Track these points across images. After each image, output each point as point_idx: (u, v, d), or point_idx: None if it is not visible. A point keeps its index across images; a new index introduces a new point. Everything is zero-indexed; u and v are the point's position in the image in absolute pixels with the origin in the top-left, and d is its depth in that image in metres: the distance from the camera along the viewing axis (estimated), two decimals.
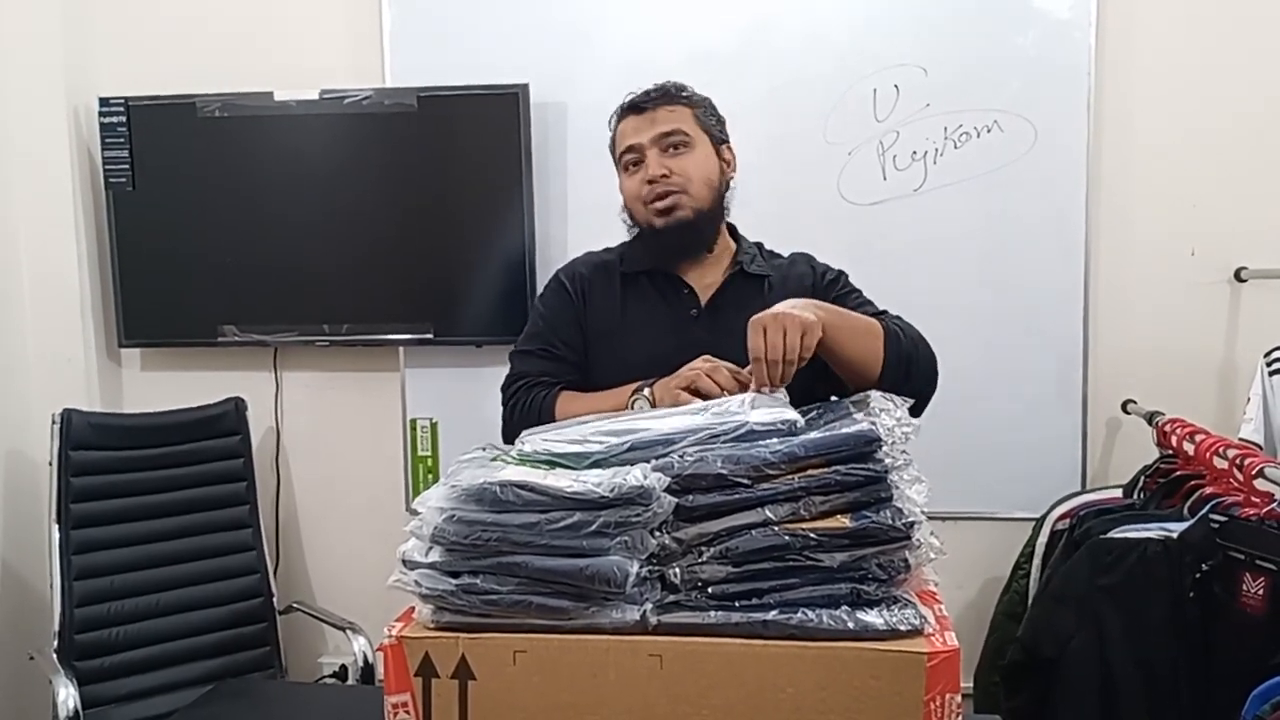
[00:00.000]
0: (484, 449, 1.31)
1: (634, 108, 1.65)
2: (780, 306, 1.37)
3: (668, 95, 1.65)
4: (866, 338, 1.49)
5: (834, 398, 1.50)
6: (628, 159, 1.65)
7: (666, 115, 1.63)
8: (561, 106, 2.61)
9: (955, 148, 2.51)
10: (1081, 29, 2.46)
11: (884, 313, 1.66)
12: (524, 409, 1.63)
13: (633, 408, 1.46)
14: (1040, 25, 2.47)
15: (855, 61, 2.52)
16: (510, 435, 1.61)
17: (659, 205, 1.61)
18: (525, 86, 2.54)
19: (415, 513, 1.15)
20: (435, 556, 1.11)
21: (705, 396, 1.37)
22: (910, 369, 1.52)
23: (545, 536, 1.07)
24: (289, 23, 2.72)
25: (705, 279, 1.68)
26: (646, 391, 1.47)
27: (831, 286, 1.69)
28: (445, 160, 2.60)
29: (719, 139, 1.69)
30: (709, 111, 1.69)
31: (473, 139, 2.59)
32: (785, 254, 1.78)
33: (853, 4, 2.52)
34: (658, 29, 2.56)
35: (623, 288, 1.69)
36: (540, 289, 1.82)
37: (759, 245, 1.76)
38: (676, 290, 1.67)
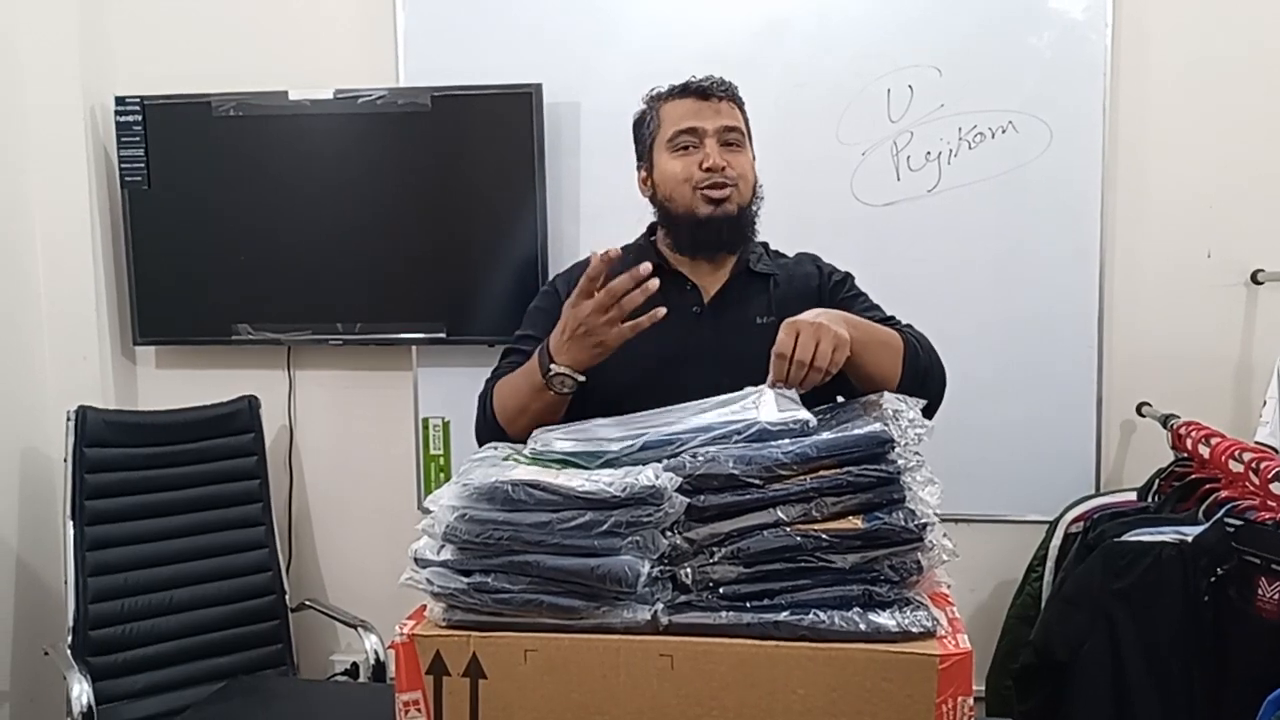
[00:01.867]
0: (495, 448, 1.31)
1: (698, 91, 1.63)
2: (817, 316, 1.35)
3: (730, 91, 1.65)
4: (888, 351, 1.49)
5: (839, 398, 1.50)
6: (683, 140, 1.62)
7: (729, 110, 1.63)
8: (575, 106, 2.61)
9: (970, 148, 2.50)
10: (1097, 29, 2.44)
11: (892, 318, 1.65)
12: (479, 402, 1.62)
13: (552, 385, 1.45)
14: (1055, 25, 2.46)
15: (869, 62, 2.51)
16: (476, 430, 1.62)
17: (713, 194, 1.60)
18: (539, 86, 2.55)
19: (427, 511, 1.16)
20: (447, 555, 1.11)
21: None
22: (925, 381, 1.52)
23: (557, 536, 1.07)
24: (304, 22, 2.73)
25: (710, 276, 1.67)
26: (555, 367, 1.44)
27: (838, 288, 1.69)
28: (458, 160, 2.61)
29: (753, 148, 1.70)
30: (748, 119, 1.69)
31: (486, 139, 2.59)
32: (791, 254, 1.77)
33: (866, 4, 2.51)
34: (671, 29, 2.56)
35: None
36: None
37: (764, 245, 1.75)
38: (680, 287, 1.66)
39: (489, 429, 1.56)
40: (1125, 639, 1.83)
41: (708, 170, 1.59)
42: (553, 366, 1.44)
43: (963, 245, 2.52)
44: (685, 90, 1.64)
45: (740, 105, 1.67)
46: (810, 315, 1.35)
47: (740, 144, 1.64)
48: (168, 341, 2.83)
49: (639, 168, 1.72)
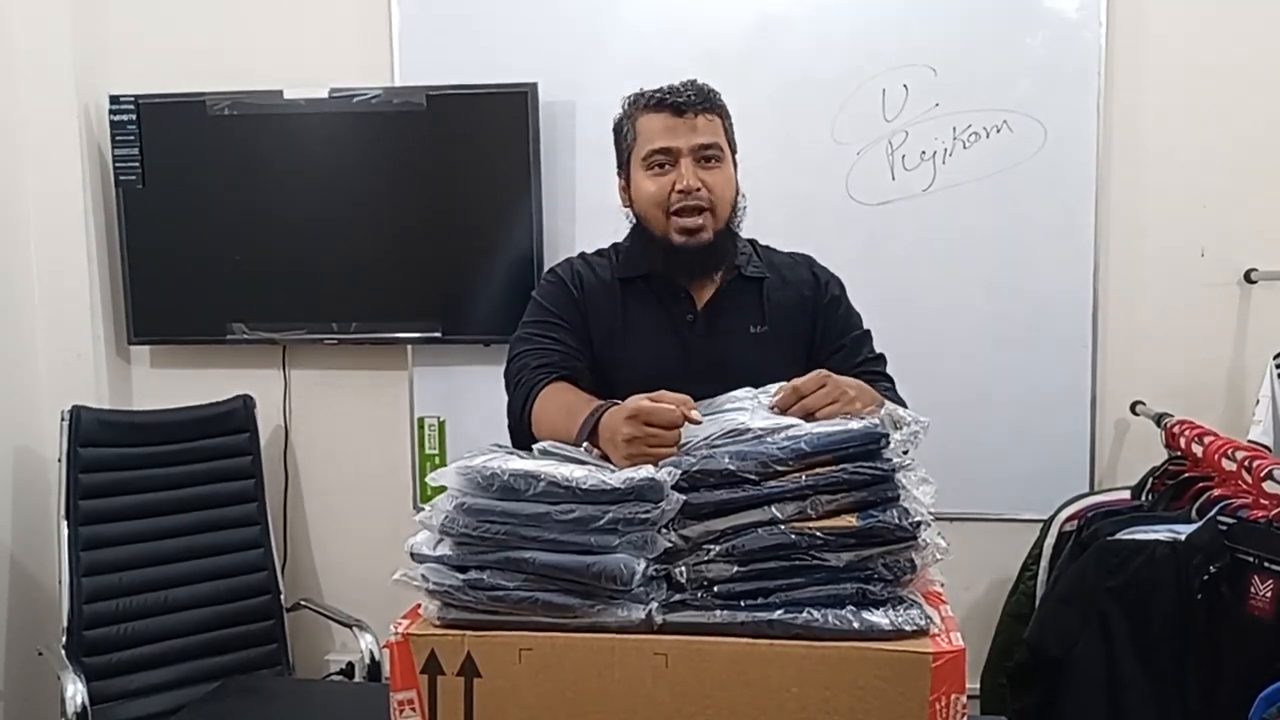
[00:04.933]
0: (498, 445, 1.32)
1: (673, 108, 1.57)
2: (852, 387, 1.31)
3: (707, 101, 1.59)
4: None
5: None
6: (657, 159, 1.58)
7: (706, 125, 1.58)
8: (570, 106, 2.61)
9: (964, 148, 2.51)
10: (1091, 29, 2.45)
11: (879, 361, 1.66)
12: (515, 390, 1.58)
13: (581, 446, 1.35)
14: (1050, 25, 2.46)
15: (864, 61, 2.52)
16: (510, 415, 1.59)
17: (685, 222, 1.57)
18: (534, 86, 2.55)
19: (422, 509, 1.16)
20: (444, 549, 1.11)
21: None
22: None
23: (554, 530, 1.07)
24: (299, 22, 2.73)
25: (701, 284, 1.65)
26: (585, 446, 1.32)
27: (831, 309, 1.67)
28: (454, 159, 2.61)
29: (734, 151, 1.66)
30: (731, 122, 1.65)
31: (481, 138, 2.59)
32: (784, 250, 1.75)
33: (861, 3, 2.51)
34: (667, 28, 2.56)
35: (622, 293, 1.66)
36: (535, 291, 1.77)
37: (752, 243, 1.72)
38: (674, 295, 1.64)
39: (523, 430, 1.53)
40: (1118, 637, 1.83)
41: (681, 192, 1.56)
42: (586, 445, 1.34)
43: (957, 244, 2.53)
44: (660, 104, 1.58)
45: (721, 114, 1.62)
46: (848, 383, 1.32)
47: (719, 160, 1.59)
48: (162, 341, 2.83)
49: (619, 174, 1.69)
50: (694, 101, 1.58)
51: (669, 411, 1.19)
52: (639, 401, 1.21)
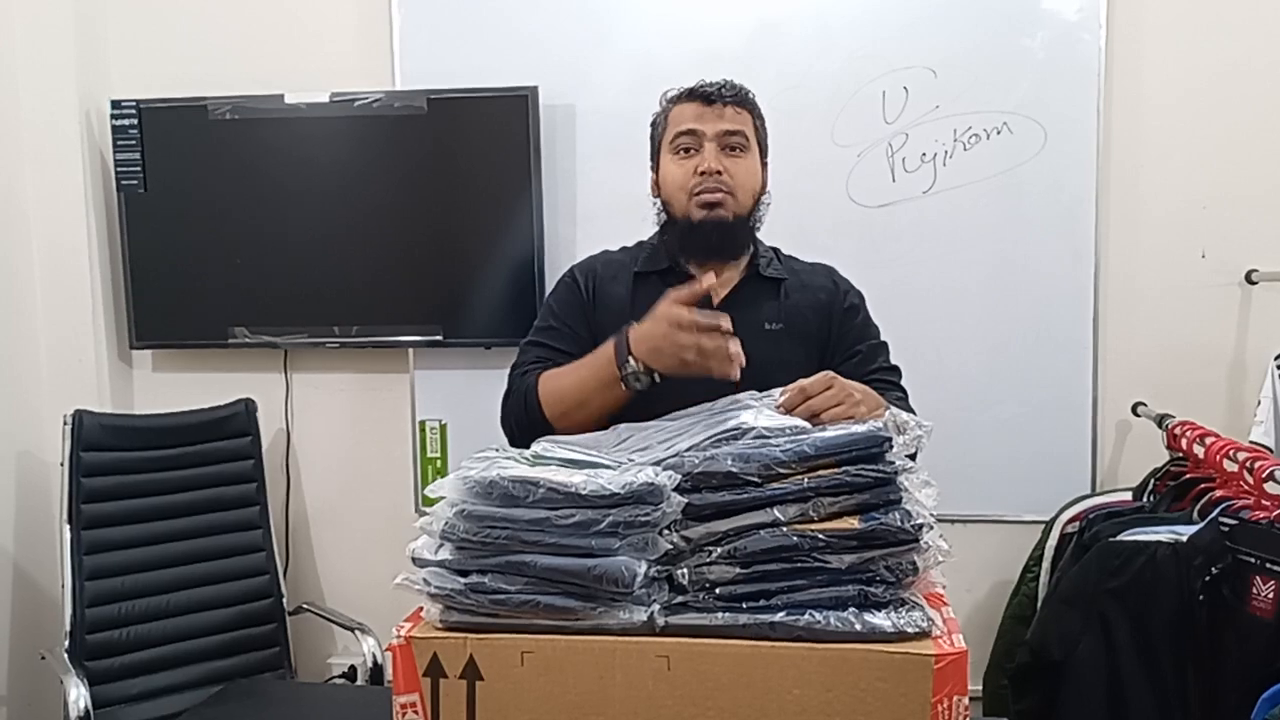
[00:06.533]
0: (496, 450, 1.31)
1: (703, 96, 1.63)
2: (858, 390, 1.35)
3: (738, 95, 1.65)
4: None
5: None
6: (682, 142, 1.63)
7: (734, 115, 1.63)
8: (570, 109, 2.62)
9: (965, 150, 2.51)
10: (1091, 30, 2.45)
11: (894, 372, 1.67)
12: (512, 395, 1.62)
13: (626, 382, 1.43)
14: (1050, 27, 2.47)
15: (864, 63, 2.52)
16: (504, 423, 1.62)
17: (707, 197, 1.60)
18: (534, 89, 2.55)
19: (424, 512, 1.16)
20: (445, 554, 1.11)
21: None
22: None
23: (554, 534, 1.07)
24: (300, 26, 2.73)
25: (720, 280, 1.65)
26: (634, 363, 1.43)
27: (849, 315, 1.69)
28: (455, 162, 2.61)
29: (765, 152, 1.70)
30: (764, 124, 1.69)
31: (482, 141, 2.59)
32: (807, 260, 1.77)
33: (862, 5, 2.52)
34: (667, 31, 2.56)
35: (634, 286, 1.68)
36: (549, 290, 1.81)
37: (776, 250, 1.75)
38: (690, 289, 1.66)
39: (533, 424, 1.54)
40: (1120, 638, 1.83)
41: (702, 174, 1.60)
42: (631, 360, 1.43)
43: (958, 246, 2.53)
44: (692, 94, 1.64)
45: (752, 110, 1.66)
46: (854, 386, 1.35)
47: (743, 149, 1.63)
48: (164, 345, 2.83)
49: (651, 168, 1.72)
50: (724, 94, 1.63)
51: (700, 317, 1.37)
52: (676, 313, 1.38)
